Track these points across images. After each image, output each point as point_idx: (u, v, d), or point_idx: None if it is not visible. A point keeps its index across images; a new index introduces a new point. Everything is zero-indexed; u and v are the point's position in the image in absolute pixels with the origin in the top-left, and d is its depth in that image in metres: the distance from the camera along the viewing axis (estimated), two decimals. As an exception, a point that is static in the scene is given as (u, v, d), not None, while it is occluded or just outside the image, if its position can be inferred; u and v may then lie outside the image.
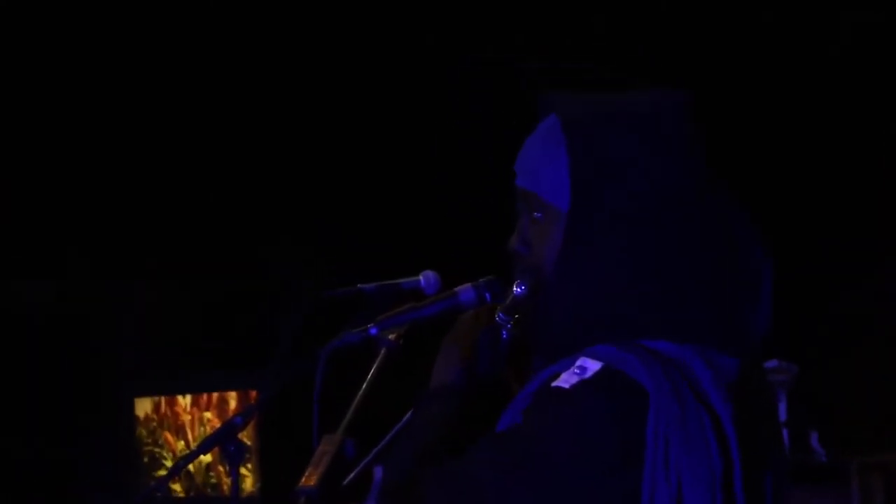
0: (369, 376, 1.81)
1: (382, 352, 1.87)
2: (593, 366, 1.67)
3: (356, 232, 6.43)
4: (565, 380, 1.68)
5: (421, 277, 2.03)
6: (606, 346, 1.70)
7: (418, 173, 6.06)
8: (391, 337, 1.89)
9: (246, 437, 7.36)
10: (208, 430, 7.63)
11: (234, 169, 6.64)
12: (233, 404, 7.38)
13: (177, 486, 7.69)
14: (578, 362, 1.69)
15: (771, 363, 6.20)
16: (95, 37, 5.62)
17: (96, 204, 6.96)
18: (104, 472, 7.63)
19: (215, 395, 7.53)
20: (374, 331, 1.91)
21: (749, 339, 1.77)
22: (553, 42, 5.48)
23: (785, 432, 6.53)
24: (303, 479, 1.61)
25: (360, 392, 1.79)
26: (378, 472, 1.69)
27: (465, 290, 1.96)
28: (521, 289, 1.88)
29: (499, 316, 1.93)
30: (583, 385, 1.66)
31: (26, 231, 7.19)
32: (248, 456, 7.36)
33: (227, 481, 7.54)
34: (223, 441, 2.01)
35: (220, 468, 7.56)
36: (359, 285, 2.10)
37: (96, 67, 5.81)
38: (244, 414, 2.04)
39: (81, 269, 7.64)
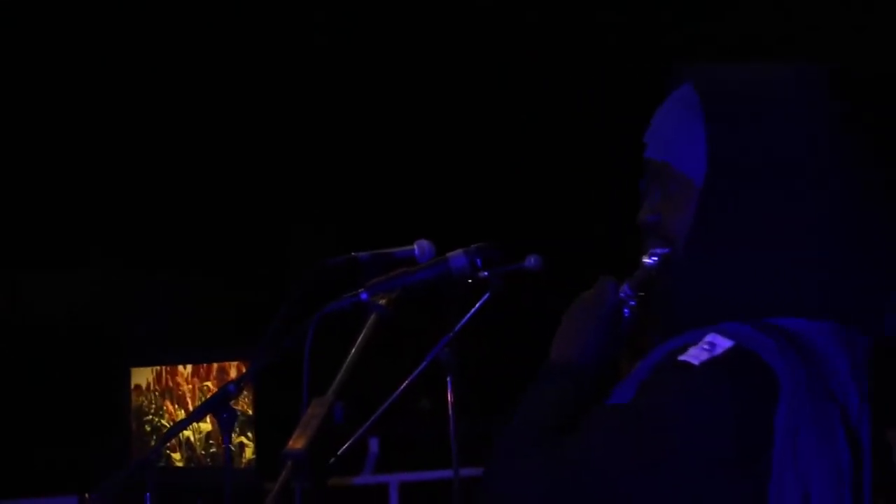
0: (359, 341, 1.81)
1: (372, 317, 1.87)
2: (724, 343, 1.62)
3: (355, 204, 6.42)
4: (694, 355, 1.61)
5: (415, 246, 2.03)
6: (739, 323, 1.64)
7: (416, 141, 6.05)
8: (381, 302, 1.90)
9: (245, 405, 7.36)
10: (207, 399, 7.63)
11: (241, 157, 6.63)
12: (233, 374, 7.39)
13: (177, 456, 7.70)
14: (708, 338, 1.64)
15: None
16: (116, 34, 5.61)
17: (101, 190, 6.97)
18: (103, 442, 7.65)
19: (215, 365, 7.53)
20: (364, 296, 1.91)
21: (884, 322, 1.72)
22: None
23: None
24: (290, 442, 1.61)
25: (350, 356, 1.79)
26: (373, 443, 1.69)
27: (456, 256, 1.95)
28: (652, 260, 1.84)
29: (624, 291, 1.88)
30: (713, 363, 1.60)
31: (46, 220, 7.20)
32: (240, 422, 7.37)
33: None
34: (216, 408, 2.03)
35: (220, 438, 7.58)
36: (353, 253, 2.10)
37: (117, 67, 5.80)
38: (237, 381, 2.05)
39: (95, 254, 7.66)
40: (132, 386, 7.92)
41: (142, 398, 7.84)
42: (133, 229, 7.44)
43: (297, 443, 1.60)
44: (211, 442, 7.47)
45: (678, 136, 1.78)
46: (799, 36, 5.58)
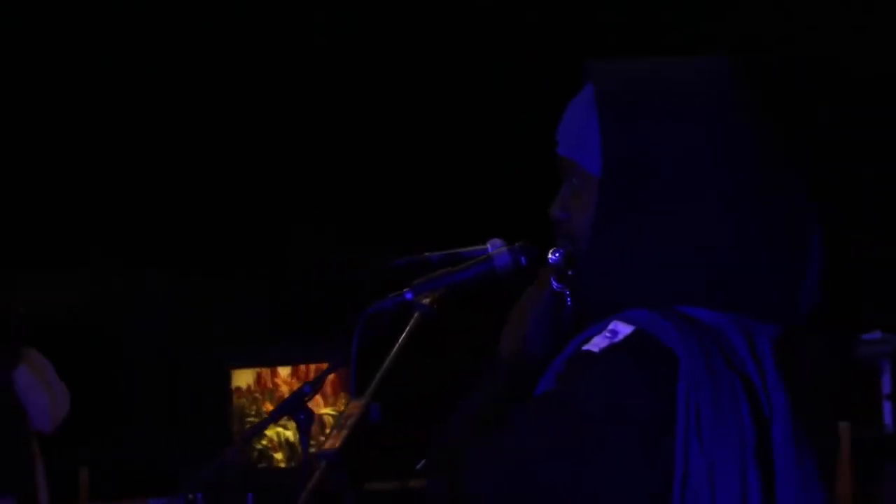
0: (400, 341, 1.81)
1: (415, 316, 1.87)
2: (625, 329, 1.65)
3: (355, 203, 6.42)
4: (596, 343, 1.65)
5: (488, 245, 2.00)
6: (640, 310, 1.67)
7: (416, 140, 6.07)
8: (425, 301, 1.89)
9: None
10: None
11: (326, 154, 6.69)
12: (330, 375, 7.44)
13: (279, 456, 7.79)
14: (611, 326, 1.66)
15: (874, 335, 6.04)
16: (116, 36, 5.68)
17: (189, 195, 7.08)
18: (203, 443, 7.75)
19: (313, 366, 7.62)
20: (409, 295, 1.91)
21: (794, 310, 1.71)
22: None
23: (888, 405, 6.35)
24: (326, 443, 1.62)
25: (390, 356, 1.79)
26: (374, 409, 1.69)
27: (500, 254, 1.94)
28: (555, 256, 1.86)
29: (553, 284, 1.91)
30: (612, 348, 1.63)
31: (140, 220, 7.33)
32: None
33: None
34: (292, 410, 2.02)
35: (321, 439, 7.65)
36: (425, 254, 2.08)
37: (117, 67, 5.87)
38: (313, 382, 2.05)
39: (184, 256, 7.79)
40: (233, 388, 8.06)
41: (242, 400, 7.96)
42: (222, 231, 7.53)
43: (332, 443, 1.61)
44: (312, 442, 7.53)
45: (579, 133, 1.79)
46: (799, 36, 5.50)
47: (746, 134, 1.73)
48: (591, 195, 1.77)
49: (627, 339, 1.64)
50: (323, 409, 7.57)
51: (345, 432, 1.61)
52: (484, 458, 1.67)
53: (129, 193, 7.22)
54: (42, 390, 5.30)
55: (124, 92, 6.06)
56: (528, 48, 4.48)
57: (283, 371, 7.94)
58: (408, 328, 1.84)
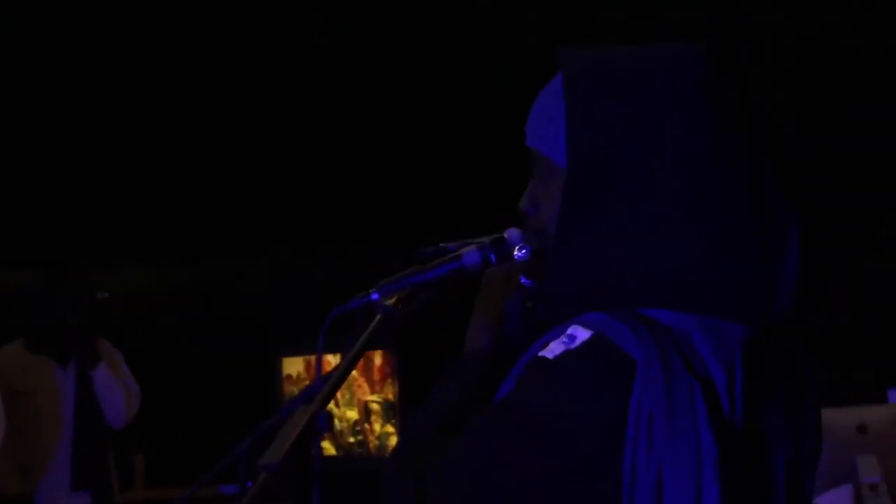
0: (356, 347, 1.74)
1: (377, 318, 1.79)
2: (583, 335, 1.55)
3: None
4: (552, 349, 1.56)
5: (505, 234, 1.93)
6: (600, 314, 1.58)
7: (417, 140, 6.02)
8: (389, 302, 1.81)
9: (391, 393, 7.38)
10: (354, 388, 7.69)
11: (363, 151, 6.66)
12: (378, 361, 7.42)
13: (326, 444, 7.78)
14: (569, 331, 1.57)
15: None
16: (116, 37, 5.66)
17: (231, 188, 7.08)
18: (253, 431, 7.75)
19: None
20: (375, 296, 1.84)
21: (768, 308, 1.60)
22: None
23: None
24: (268, 453, 1.55)
25: (343, 362, 1.72)
26: (321, 419, 1.62)
27: (469, 252, 1.86)
28: (522, 252, 1.78)
29: (522, 279, 1.83)
30: (567, 355, 1.54)
31: (163, 215, 7.35)
32: (385, 410, 7.40)
33: (372, 439, 7.59)
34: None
35: (366, 426, 7.62)
36: (441, 244, 2.02)
37: (116, 67, 5.85)
38: (327, 377, 1.99)
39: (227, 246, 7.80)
40: (283, 375, 8.06)
41: (293, 388, 7.96)
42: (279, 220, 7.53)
43: (274, 454, 1.54)
44: (357, 429, 7.51)
45: (545, 124, 1.69)
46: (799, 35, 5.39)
47: (719, 125, 1.63)
48: (558, 188, 1.68)
49: (584, 345, 1.54)
50: (369, 396, 7.55)
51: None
52: (439, 463, 1.61)
53: (180, 188, 7.25)
54: (118, 388, 5.32)
55: (120, 92, 6.07)
56: (528, 48, 4.40)
57: (333, 358, 7.93)
58: (367, 331, 1.77)
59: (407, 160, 6.85)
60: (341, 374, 1.69)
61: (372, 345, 1.75)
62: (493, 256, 1.84)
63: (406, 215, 7.22)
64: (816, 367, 1.67)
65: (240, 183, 7.25)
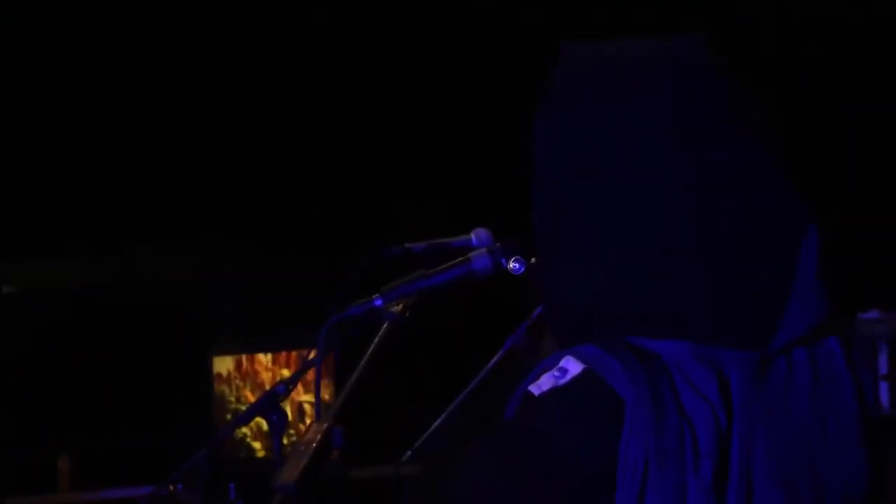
0: (366, 356, 1.63)
1: (385, 326, 1.69)
2: (575, 368, 1.43)
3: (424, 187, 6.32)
4: (542, 384, 1.44)
5: (472, 235, 1.83)
6: (594, 346, 1.44)
7: (417, 140, 5.98)
8: (396, 309, 1.71)
9: (327, 393, 7.27)
10: (287, 388, 7.59)
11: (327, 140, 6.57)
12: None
13: (257, 445, 7.65)
14: (562, 362, 1.44)
15: (871, 314, 5.84)
16: (116, 38, 5.54)
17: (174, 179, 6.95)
18: (186, 431, 7.61)
19: (294, 352, 7.48)
20: (378, 302, 1.74)
21: (773, 328, 1.44)
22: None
23: (885, 386, 6.15)
24: (283, 473, 1.44)
25: (355, 375, 1.61)
26: (337, 433, 1.52)
27: (478, 255, 1.77)
28: (515, 266, 1.69)
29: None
30: (555, 392, 1.42)
31: (152, 200, 7.19)
32: (322, 410, 7.28)
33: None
34: (265, 411, 1.88)
35: (301, 426, 7.51)
36: (406, 244, 1.92)
37: (116, 66, 5.73)
38: (286, 382, 1.90)
39: (173, 239, 7.64)
40: (214, 374, 7.92)
41: (223, 386, 7.81)
42: (202, 212, 7.38)
43: (289, 474, 1.43)
44: (292, 431, 7.40)
45: (535, 130, 1.52)
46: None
47: (717, 124, 1.47)
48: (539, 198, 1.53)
49: (573, 381, 1.42)
50: (303, 396, 7.42)
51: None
52: (443, 480, 1.49)
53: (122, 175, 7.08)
54: None
55: (121, 91, 5.93)
56: (528, 47, 4.34)
57: (264, 358, 7.82)
58: (376, 340, 1.67)
59: (345, 153, 6.76)
60: (354, 386, 1.60)
61: (385, 354, 1.65)
62: (504, 260, 1.75)
63: (345, 211, 7.12)
64: (859, 388, 1.55)
65: (169, 168, 7.08)
